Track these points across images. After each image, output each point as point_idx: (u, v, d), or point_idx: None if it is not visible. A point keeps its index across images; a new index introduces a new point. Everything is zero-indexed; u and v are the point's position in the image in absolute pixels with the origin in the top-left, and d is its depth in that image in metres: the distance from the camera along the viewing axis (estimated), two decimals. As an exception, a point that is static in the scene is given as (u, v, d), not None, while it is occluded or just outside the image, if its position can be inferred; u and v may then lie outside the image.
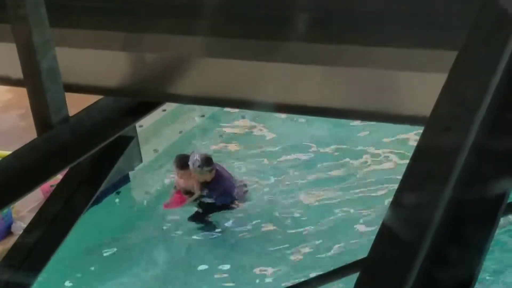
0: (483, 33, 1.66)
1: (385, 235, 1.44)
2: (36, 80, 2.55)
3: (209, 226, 7.99)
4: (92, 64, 2.79)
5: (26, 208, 7.59)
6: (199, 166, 7.84)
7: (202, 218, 8.02)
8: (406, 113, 2.25)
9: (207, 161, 7.91)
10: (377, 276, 1.41)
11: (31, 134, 2.66)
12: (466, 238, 1.53)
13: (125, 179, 8.60)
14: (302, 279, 2.64)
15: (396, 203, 1.48)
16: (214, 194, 8.00)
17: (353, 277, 1.62)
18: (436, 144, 1.55)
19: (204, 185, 7.96)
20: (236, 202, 8.08)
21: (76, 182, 2.97)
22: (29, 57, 2.52)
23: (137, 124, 3.14)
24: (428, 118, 1.59)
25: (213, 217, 8.03)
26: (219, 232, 7.97)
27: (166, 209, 8.14)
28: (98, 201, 8.15)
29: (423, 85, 2.13)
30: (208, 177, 7.92)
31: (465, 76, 1.62)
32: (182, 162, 7.99)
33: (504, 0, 1.69)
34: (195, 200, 8.07)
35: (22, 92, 2.69)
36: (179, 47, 2.60)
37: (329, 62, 2.31)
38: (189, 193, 8.10)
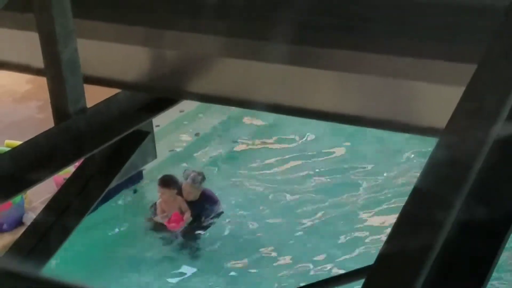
0: (503, 47, 1.66)
1: (392, 246, 1.44)
2: (56, 70, 2.57)
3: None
4: (112, 58, 2.81)
5: (38, 199, 7.62)
6: (200, 182, 7.90)
7: (193, 233, 7.99)
8: (420, 123, 2.25)
9: (203, 178, 7.99)
10: (382, 285, 1.41)
11: (48, 126, 2.67)
12: (473, 255, 1.52)
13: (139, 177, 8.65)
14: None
15: (405, 214, 1.47)
16: (202, 211, 7.99)
17: (357, 283, 1.62)
18: (450, 156, 1.54)
19: (190, 204, 7.94)
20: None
21: (89, 174, 2.98)
22: (50, 47, 2.54)
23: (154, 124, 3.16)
24: (443, 130, 1.59)
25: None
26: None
27: (173, 229, 8.03)
28: (109, 196, 8.20)
29: (439, 97, 2.13)
30: (197, 194, 7.94)
31: (484, 89, 1.62)
32: (171, 182, 7.88)
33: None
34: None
35: (41, 83, 2.70)
36: (199, 46, 2.61)
37: (345, 68, 2.31)
38: (166, 213, 7.98)
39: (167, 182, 7.84)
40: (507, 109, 1.57)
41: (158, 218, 7.95)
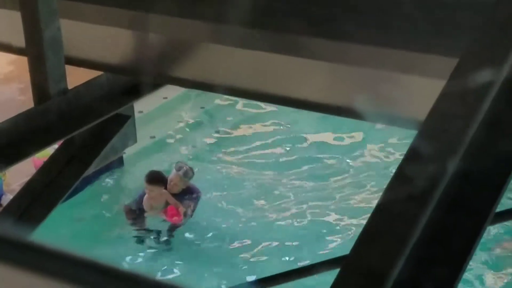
0: (486, 41, 1.66)
1: (368, 236, 1.44)
2: (37, 50, 2.54)
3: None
4: (96, 39, 2.79)
5: (17, 182, 7.58)
6: (190, 178, 7.89)
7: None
8: (402, 115, 2.25)
9: (193, 174, 7.97)
10: (357, 275, 1.40)
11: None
12: (449, 247, 1.52)
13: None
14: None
15: (383, 204, 1.47)
16: (182, 201, 7.97)
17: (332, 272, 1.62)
18: (429, 147, 1.54)
19: (175, 196, 7.93)
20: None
21: (69, 156, 2.96)
22: (33, 25, 2.51)
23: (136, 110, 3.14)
24: (424, 121, 1.59)
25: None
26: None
27: (176, 223, 7.97)
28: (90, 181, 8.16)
29: (421, 89, 2.13)
30: (182, 188, 7.93)
31: (465, 83, 1.62)
32: (159, 178, 7.77)
33: (509, 12, 1.69)
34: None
35: (24, 65, 2.68)
36: (184, 31, 2.60)
37: (330, 59, 2.31)
38: (154, 209, 7.94)
39: (156, 179, 7.72)
40: (488, 102, 1.57)
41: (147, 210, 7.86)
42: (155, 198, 7.74)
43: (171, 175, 7.86)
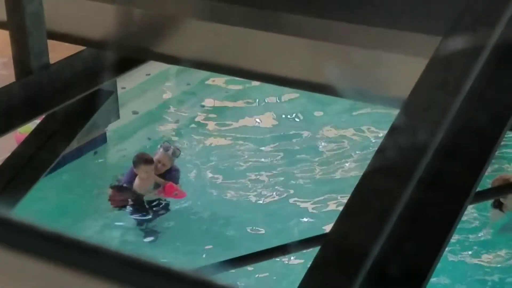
0: (469, 21, 1.66)
1: (348, 214, 1.45)
2: (19, 24, 2.52)
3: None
4: (79, 14, 2.76)
5: (-1, 157, 7.53)
6: (177, 157, 7.88)
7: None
8: (385, 94, 2.26)
9: (180, 153, 7.96)
10: (336, 254, 1.41)
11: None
12: (429, 225, 1.53)
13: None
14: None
15: (365, 181, 1.48)
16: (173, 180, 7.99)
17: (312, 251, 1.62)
18: (412, 125, 1.55)
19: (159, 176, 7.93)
20: None
21: (51, 131, 2.94)
22: (14, -1, 2.49)
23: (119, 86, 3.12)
24: (405, 99, 1.59)
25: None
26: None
27: (182, 197, 7.96)
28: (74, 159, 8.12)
29: (404, 67, 2.14)
30: (167, 168, 7.93)
31: (447, 61, 1.63)
32: (150, 158, 7.74)
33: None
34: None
35: (6, 39, 2.65)
36: (167, 6, 2.58)
37: (313, 36, 2.31)
38: (149, 191, 7.89)
39: (149, 159, 7.72)
40: (470, 81, 1.58)
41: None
42: (148, 179, 7.72)
43: (159, 156, 7.85)
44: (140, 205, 7.80)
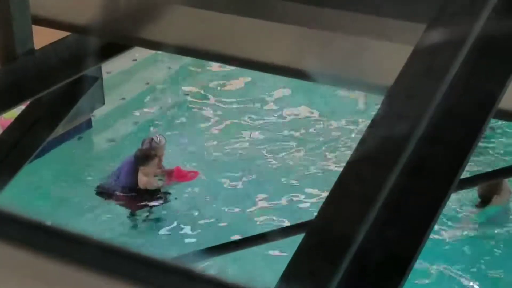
0: (454, 8, 1.67)
1: (333, 201, 1.45)
2: (3, 9, 2.50)
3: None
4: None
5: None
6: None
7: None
8: (371, 81, 2.26)
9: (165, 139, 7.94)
10: (320, 241, 1.41)
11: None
12: (413, 212, 1.54)
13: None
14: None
15: (349, 168, 1.48)
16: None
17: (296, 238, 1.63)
18: (396, 112, 1.55)
19: None
20: None
21: (36, 117, 2.93)
22: (-2, -16, 2.47)
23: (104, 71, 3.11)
24: (390, 87, 1.59)
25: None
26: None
27: (193, 179, 7.92)
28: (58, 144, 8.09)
29: (388, 54, 2.14)
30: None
31: (432, 49, 1.63)
32: (153, 153, 7.71)
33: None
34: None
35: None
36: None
37: (298, 22, 2.30)
38: (155, 183, 7.85)
39: (154, 153, 7.67)
40: (455, 68, 1.58)
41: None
42: (152, 173, 7.65)
43: (156, 150, 7.83)
44: (154, 196, 7.72)
